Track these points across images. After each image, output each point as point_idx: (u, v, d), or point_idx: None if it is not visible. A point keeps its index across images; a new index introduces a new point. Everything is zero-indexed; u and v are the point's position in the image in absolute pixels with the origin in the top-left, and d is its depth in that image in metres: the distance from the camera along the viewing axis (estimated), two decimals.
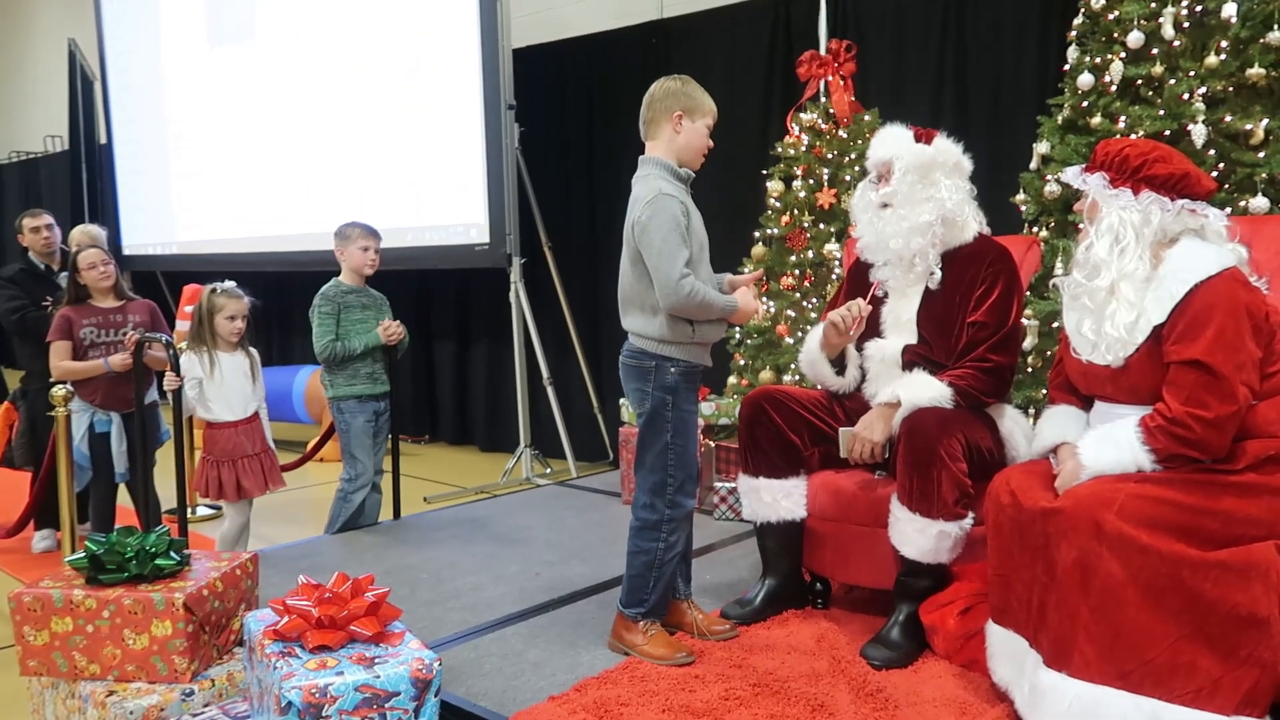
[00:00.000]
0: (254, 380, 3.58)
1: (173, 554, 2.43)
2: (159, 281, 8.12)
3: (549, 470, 5.71)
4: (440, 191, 5.87)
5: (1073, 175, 2.24)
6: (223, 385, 3.48)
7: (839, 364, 2.82)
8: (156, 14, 7.68)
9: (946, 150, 2.70)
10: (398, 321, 3.83)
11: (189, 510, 3.77)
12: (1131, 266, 2.09)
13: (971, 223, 2.70)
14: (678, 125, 2.46)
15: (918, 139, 2.68)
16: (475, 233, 5.69)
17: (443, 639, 2.67)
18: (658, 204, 2.38)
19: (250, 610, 2.51)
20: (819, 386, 2.90)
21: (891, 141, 2.72)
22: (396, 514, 4.06)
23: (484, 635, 2.71)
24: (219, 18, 7.18)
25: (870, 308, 2.69)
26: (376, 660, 1.97)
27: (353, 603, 2.07)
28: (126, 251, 8.20)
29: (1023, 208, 3.66)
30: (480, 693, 2.34)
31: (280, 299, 7.70)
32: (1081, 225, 2.25)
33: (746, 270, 4.38)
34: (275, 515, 4.66)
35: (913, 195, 2.64)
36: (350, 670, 1.93)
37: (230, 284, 3.57)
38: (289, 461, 4.75)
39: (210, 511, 4.71)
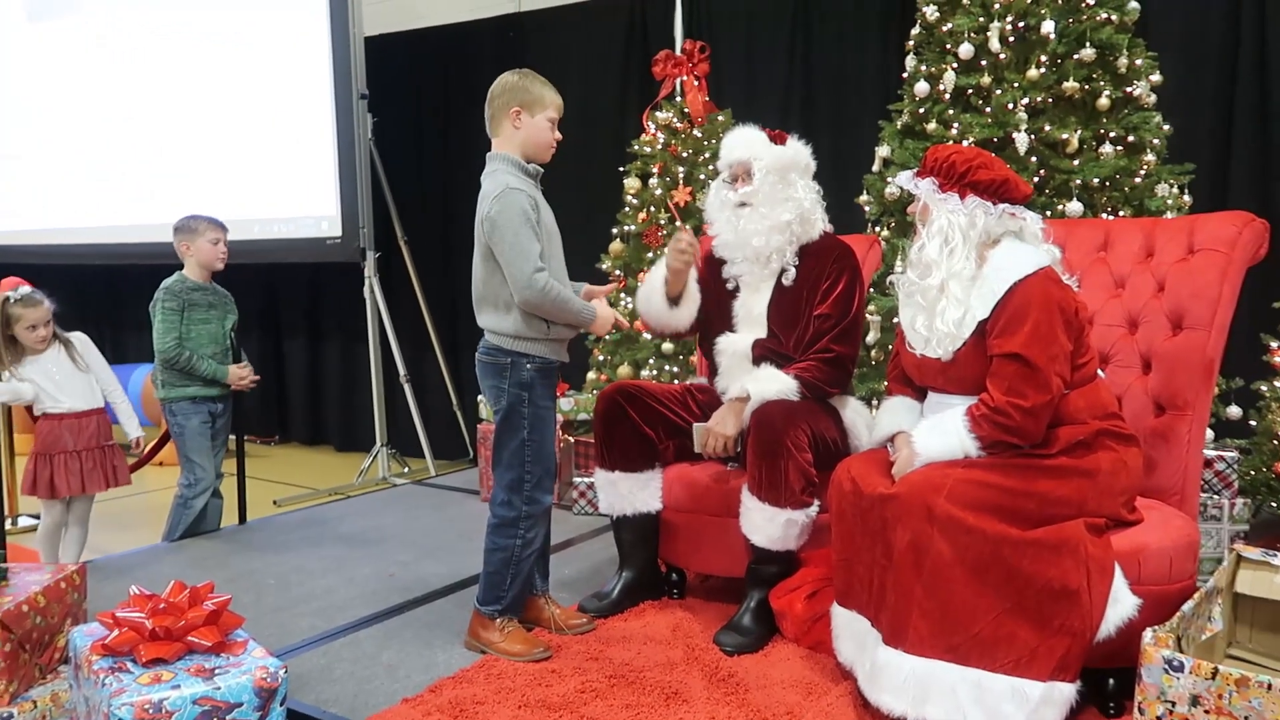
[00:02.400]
0: (77, 365, 3.41)
1: None
2: None
3: (407, 469, 5.60)
4: (289, 182, 5.65)
5: (905, 179, 2.36)
6: (49, 381, 3.34)
7: (677, 303, 2.86)
8: None
9: (800, 152, 2.80)
10: (250, 369, 3.70)
11: (9, 521, 3.53)
12: (959, 266, 2.22)
13: (819, 221, 2.81)
14: (516, 121, 2.45)
15: (772, 140, 2.77)
16: (327, 225, 5.51)
17: (291, 646, 2.58)
18: (505, 198, 2.37)
19: (77, 625, 2.36)
20: (656, 328, 2.94)
21: (748, 142, 2.77)
22: (241, 518, 3.89)
23: (335, 640, 2.63)
24: None
25: (693, 237, 2.76)
26: (216, 671, 1.90)
27: (190, 612, 1.98)
28: None
29: (866, 208, 3.83)
30: (330, 699, 2.27)
31: (111, 293, 7.24)
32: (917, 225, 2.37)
33: (605, 266, 4.42)
34: (109, 523, 4.37)
35: (773, 195, 2.72)
36: (187, 683, 1.84)
37: (25, 289, 3.35)
38: None
39: (31, 521, 4.37)
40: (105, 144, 6.44)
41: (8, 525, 3.36)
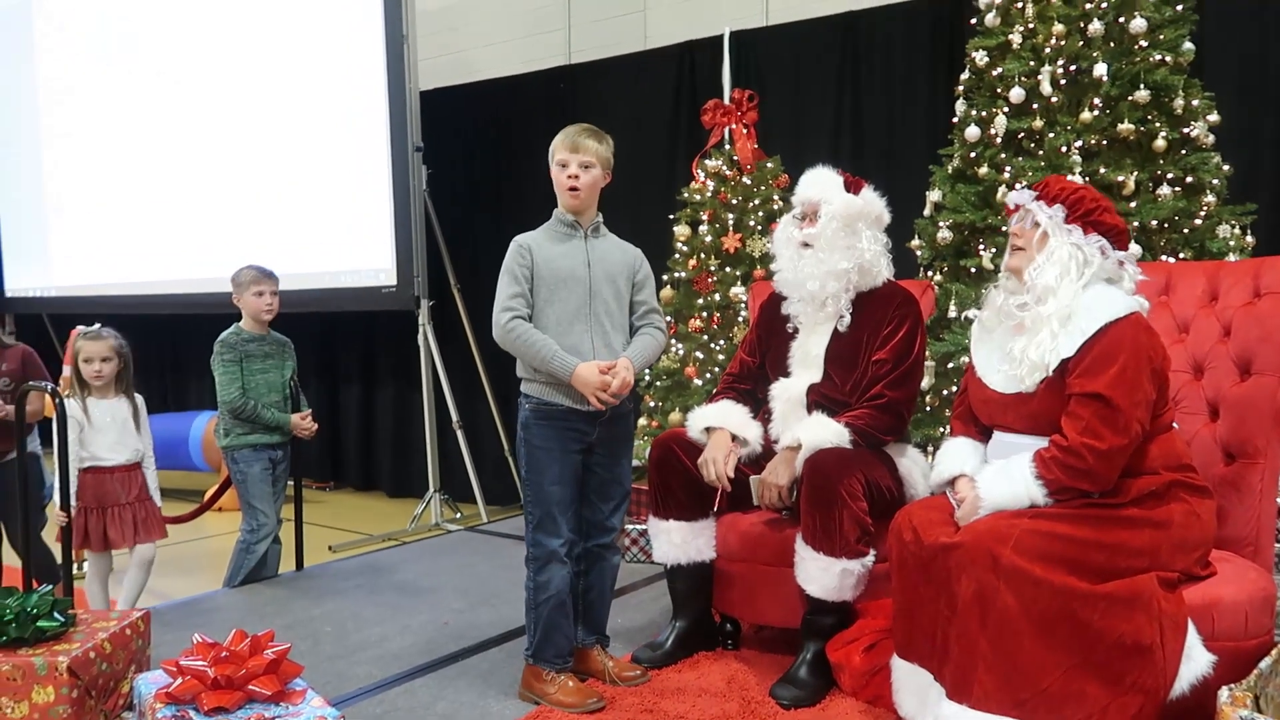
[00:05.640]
0: (137, 427, 3.45)
1: (56, 615, 2.31)
2: (45, 324, 7.76)
3: (459, 515, 5.62)
4: (346, 234, 5.78)
5: (1028, 199, 2.27)
6: (93, 430, 3.36)
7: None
8: (30, 41, 7.36)
9: (873, 202, 2.76)
10: (311, 420, 3.77)
11: (75, 567, 3.60)
12: (1066, 299, 2.17)
13: (883, 271, 2.77)
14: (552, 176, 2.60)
15: (848, 187, 2.74)
16: (383, 275, 5.62)
17: (347, 694, 2.60)
18: (509, 248, 2.54)
19: (141, 672, 2.40)
20: None
21: (821, 184, 2.75)
22: (299, 565, 3.94)
23: (390, 689, 2.64)
24: (105, 48, 6.92)
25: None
26: None
27: (251, 661, 2.01)
28: (8, 294, 7.78)
29: (918, 252, 3.81)
30: None
31: (174, 343, 7.44)
32: (1019, 247, 2.26)
33: None
34: (170, 569, 4.45)
35: (835, 241, 2.69)
36: None
37: (95, 326, 3.45)
38: (184, 513, 4.57)
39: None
40: (167, 197, 6.64)
41: (73, 572, 3.40)
